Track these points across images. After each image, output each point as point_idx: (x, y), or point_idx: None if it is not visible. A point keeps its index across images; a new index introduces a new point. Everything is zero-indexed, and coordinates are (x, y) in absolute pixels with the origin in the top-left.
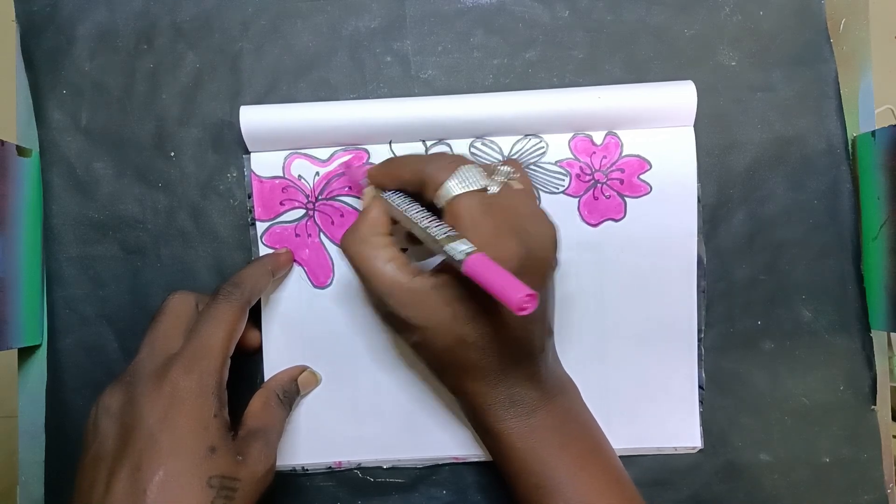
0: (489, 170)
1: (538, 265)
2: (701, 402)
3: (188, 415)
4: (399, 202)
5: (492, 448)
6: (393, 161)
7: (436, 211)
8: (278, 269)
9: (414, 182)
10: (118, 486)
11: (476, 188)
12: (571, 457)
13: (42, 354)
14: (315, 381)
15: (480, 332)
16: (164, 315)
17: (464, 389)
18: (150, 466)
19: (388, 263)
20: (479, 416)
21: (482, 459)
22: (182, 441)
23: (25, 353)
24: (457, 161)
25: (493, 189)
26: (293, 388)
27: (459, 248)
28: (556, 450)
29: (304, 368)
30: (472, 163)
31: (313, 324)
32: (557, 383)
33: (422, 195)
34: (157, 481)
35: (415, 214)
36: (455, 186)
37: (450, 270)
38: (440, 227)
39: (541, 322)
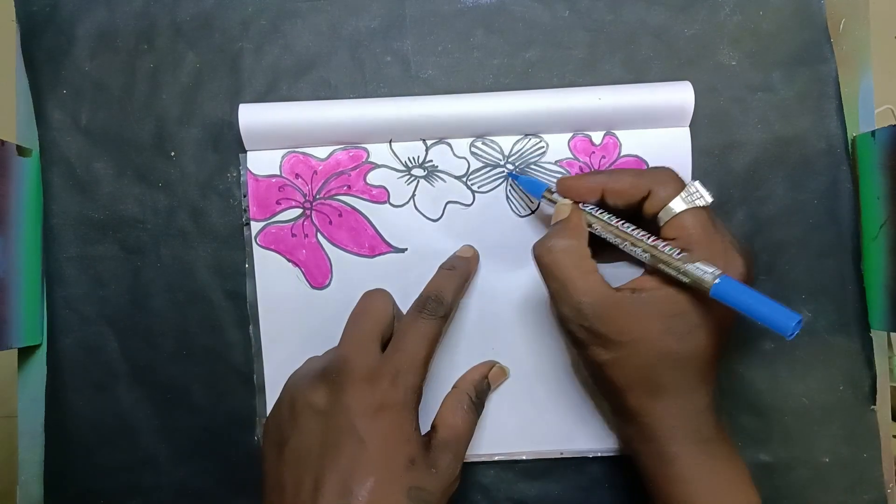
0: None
1: (751, 282)
2: None
3: (395, 425)
4: (608, 217)
5: (658, 476)
6: (600, 174)
7: (639, 225)
8: (471, 275)
9: (630, 195)
10: (328, 488)
11: (703, 204)
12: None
13: (42, 354)
14: (504, 375)
15: (690, 349)
16: (366, 316)
17: (647, 410)
18: (361, 473)
19: (591, 274)
20: (659, 439)
21: (483, 459)
22: (390, 451)
23: (25, 353)
24: (677, 176)
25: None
26: (484, 387)
27: (708, 270)
28: (723, 487)
29: (492, 364)
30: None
31: (313, 325)
32: (719, 418)
33: (630, 210)
34: (368, 489)
35: (632, 232)
36: (684, 201)
37: (654, 285)
38: (667, 245)
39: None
